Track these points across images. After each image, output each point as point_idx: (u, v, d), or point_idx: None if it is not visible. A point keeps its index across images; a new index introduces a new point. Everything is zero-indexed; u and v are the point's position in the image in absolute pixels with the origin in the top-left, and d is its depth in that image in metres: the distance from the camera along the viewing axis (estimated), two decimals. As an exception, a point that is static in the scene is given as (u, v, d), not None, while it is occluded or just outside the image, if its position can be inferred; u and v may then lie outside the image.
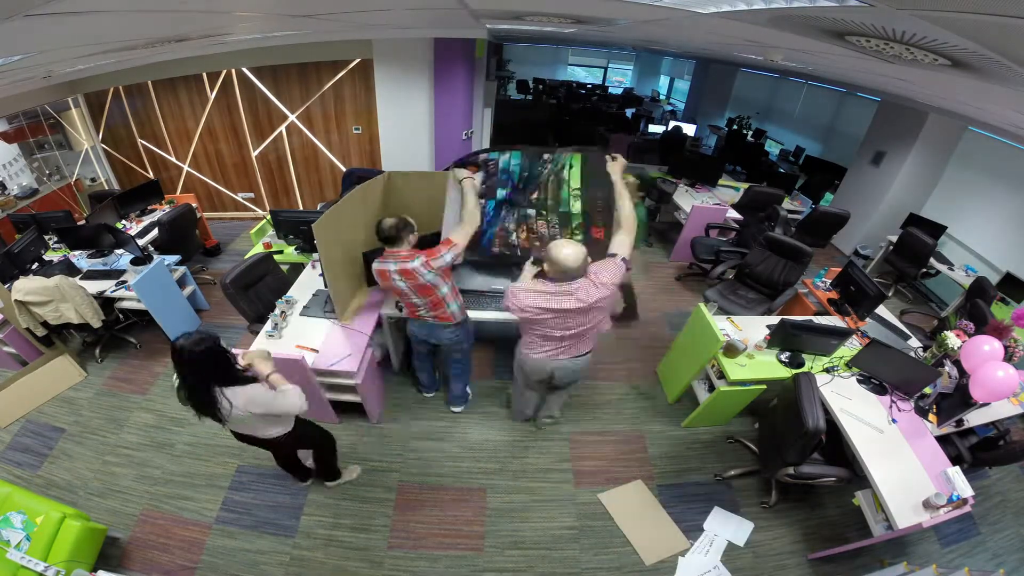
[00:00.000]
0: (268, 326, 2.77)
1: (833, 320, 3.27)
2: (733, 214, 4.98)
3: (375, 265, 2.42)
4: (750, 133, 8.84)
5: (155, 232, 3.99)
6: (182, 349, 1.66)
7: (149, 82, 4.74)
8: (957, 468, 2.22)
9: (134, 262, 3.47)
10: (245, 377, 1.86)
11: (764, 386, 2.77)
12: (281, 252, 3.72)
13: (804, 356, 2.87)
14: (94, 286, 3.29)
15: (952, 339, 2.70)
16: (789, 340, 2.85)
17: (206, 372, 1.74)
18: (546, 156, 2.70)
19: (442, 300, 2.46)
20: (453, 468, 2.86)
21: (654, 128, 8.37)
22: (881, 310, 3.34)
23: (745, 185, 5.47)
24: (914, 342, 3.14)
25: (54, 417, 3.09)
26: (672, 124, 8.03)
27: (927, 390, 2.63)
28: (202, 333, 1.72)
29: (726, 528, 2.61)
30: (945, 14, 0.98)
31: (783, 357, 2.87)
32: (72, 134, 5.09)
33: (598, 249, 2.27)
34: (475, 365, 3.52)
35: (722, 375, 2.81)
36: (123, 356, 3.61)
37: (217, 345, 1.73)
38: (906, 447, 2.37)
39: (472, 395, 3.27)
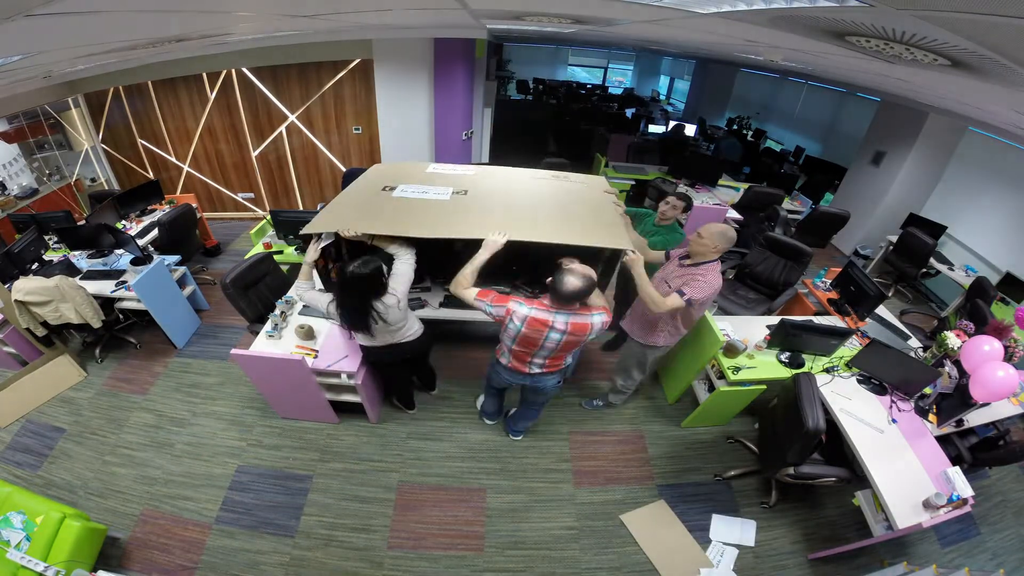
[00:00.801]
0: (268, 326, 2.77)
1: (833, 320, 3.27)
2: (733, 214, 4.98)
3: (521, 309, 2.05)
4: (750, 133, 8.85)
5: (155, 232, 3.99)
6: (351, 273, 2.06)
7: (149, 82, 4.74)
8: (957, 468, 2.22)
9: (134, 262, 3.47)
10: (386, 285, 2.22)
11: (764, 386, 2.77)
12: (281, 252, 3.73)
13: (804, 356, 2.87)
14: (94, 286, 3.29)
15: (952, 339, 2.70)
16: (789, 340, 2.85)
17: (368, 289, 2.14)
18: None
19: (564, 358, 2.28)
20: (453, 468, 2.86)
21: (654, 128, 8.38)
22: (881, 310, 3.34)
23: (745, 185, 5.47)
24: (914, 342, 3.14)
25: (54, 417, 3.09)
26: (673, 124, 8.04)
27: (927, 390, 2.63)
28: (369, 257, 2.11)
29: (731, 533, 2.60)
30: (945, 14, 0.98)
31: (783, 357, 2.87)
32: (72, 134, 5.09)
33: None
34: (471, 367, 3.53)
35: (722, 375, 2.81)
36: (123, 356, 3.61)
37: (380, 267, 2.13)
38: (906, 447, 2.37)
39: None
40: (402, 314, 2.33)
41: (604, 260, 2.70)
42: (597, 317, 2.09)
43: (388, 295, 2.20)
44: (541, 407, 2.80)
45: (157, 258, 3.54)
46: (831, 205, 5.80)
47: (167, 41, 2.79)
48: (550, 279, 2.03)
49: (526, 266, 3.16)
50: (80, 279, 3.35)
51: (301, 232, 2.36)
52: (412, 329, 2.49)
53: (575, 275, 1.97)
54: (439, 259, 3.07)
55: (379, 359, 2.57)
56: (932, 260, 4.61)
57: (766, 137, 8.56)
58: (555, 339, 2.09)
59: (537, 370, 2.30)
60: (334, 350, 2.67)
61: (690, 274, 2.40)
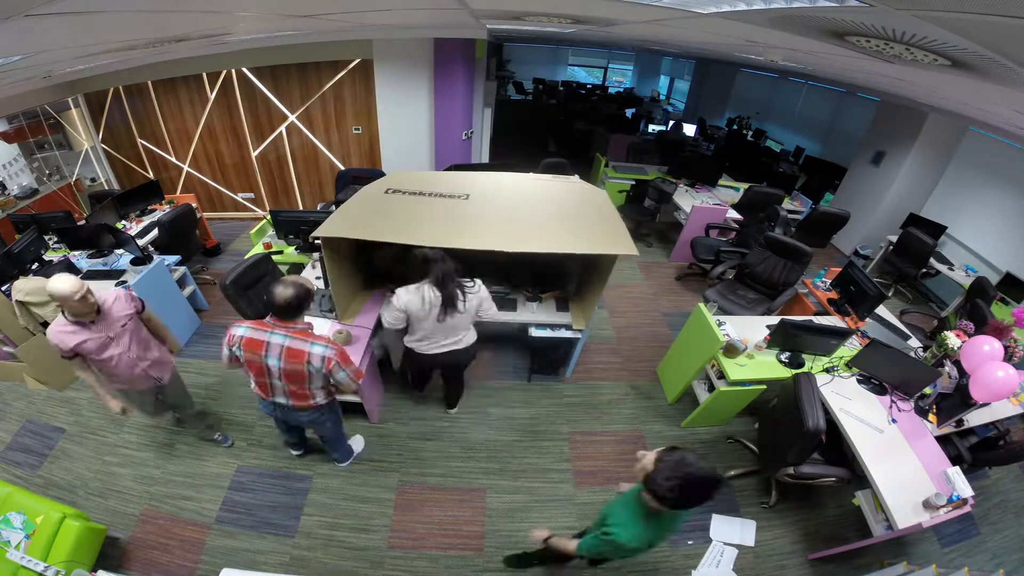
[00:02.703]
0: (268, 326, 2.76)
1: (833, 320, 3.27)
2: (733, 214, 4.98)
3: (240, 331, 1.91)
4: (750, 133, 8.84)
5: (155, 232, 3.99)
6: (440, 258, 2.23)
7: (149, 82, 4.74)
8: (957, 468, 2.22)
9: (134, 262, 3.47)
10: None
11: (764, 386, 2.77)
12: (281, 252, 3.72)
13: (804, 356, 2.87)
14: (94, 286, 3.26)
15: (952, 339, 2.70)
16: (789, 340, 2.85)
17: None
18: None
19: (309, 392, 2.07)
20: (453, 468, 2.86)
21: (654, 128, 8.38)
22: (881, 310, 3.33)
23: (745, 185, 5.47)
24: (914, 342, 3.14)
25: (54, 417, 3.09)
26: (671, 123, 8.04)
27: (927, 390, 2.63)
28: (437, 250, 2.24)
29: (731, 533, 2.59)
30: (945, 14, 0.98)
31: (783, 357, 2.87)
32: (72, 134, 5.10)
33: None
34: (473, 365, 3.51)
35: (722, 375, 2.81)
36: (123, 356, 3.60)
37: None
38: (906, 447, 2.37)
39: (355, 450, 2.85)
40: (468, 322, 2.46)
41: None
42: (318, 347, 1.89)
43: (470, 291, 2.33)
44: (329, 435, 2.49)
45: (157, 258, 3.54)
46: (831, 205, 5.80)
47: (167, 41, 2.79)
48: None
49: (525, 271, 3.16)
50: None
51: (312, 236, 2.36)
52: (464, 342, 2.54)
53: (286, 284, 1.85)
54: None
55: (418, 364, 2.62)
56: (932, 260, 4.61)
57: (766, 137, 8.56)
58: (274, 365, 1.91)
59: (282, 400, 2.10)
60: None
61: None
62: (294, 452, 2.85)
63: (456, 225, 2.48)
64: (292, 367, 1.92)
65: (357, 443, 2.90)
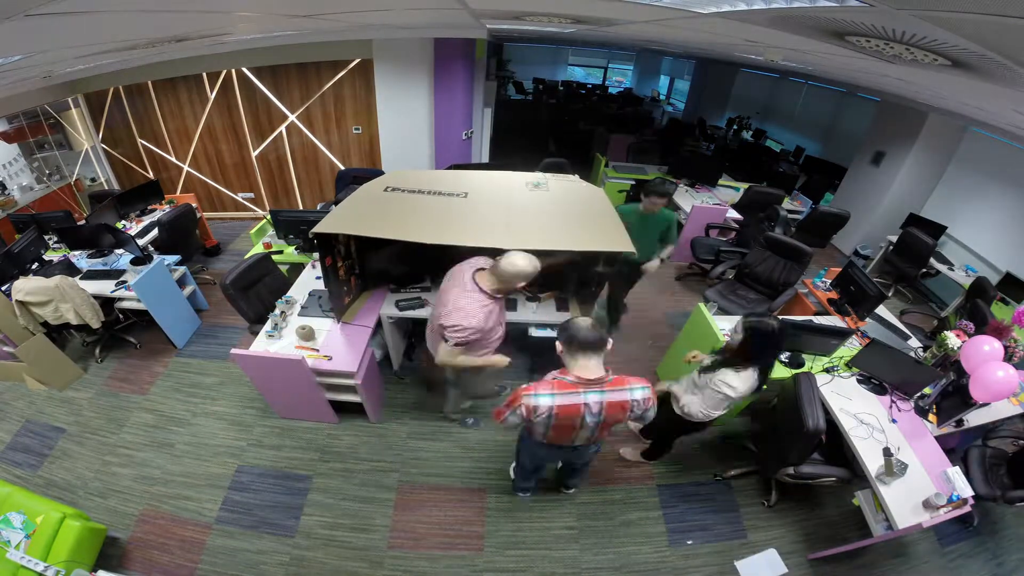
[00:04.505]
0: (268, 326, 2.77)
1: (833, 320, 3.27)
2: (733, 214, 4.98)
3: (544, 400, 1.66)
4: (750, 133, 8.84)
5: (155, 232, 3.99)
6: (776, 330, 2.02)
7: (149, 82, 4.74)
8: (957, 468, 2.22)
9: (134, 262, 3.47)
10: None
11: (764, 386, 2.76)
12: (281, 252, 3.72)
13: (804, 356, 2.87)
14: (94, 286, 3.29)
15: (952, 339, 2.70)
16: (789, 340, 2.84)
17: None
18: None
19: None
20: (453, 468, 2.85)
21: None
22: (881, 310, 3.33)
23: (745, 185, 5.47)
24: (914, 342, 3.14)
25: (54, 417, 3.09)
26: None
27: (927, 390, 2.63)
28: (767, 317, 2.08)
29: (761, 570, 2.46)
30: (945, 14, 0.98)
31: (783, 357, 2.87)
32: (72, 134, 5.10)
33: None
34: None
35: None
36: (123, 356, 3.61)
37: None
38: (906, 447, 2.37)
39: None
40: None
41: (603, 263, 2.72)
42: (638, 391, 1.71)
43: None
44: (586, 466, 2.45)
45: (157, 258, 3.54)
46: (831, 205, 5.80)
47: (167, 41, 2.79)
48: (560, 336, 1.69)
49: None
50: (80, 279, 3.35)
51: (311, 232, 2.36)
52: None
53: (583, 321, 1.68)
54: (438, 258, 3.09)
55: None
56: (932, 260, 4.61)
57: (766, 137, 8.56)
58: (592, 422, 1.73)
59: (581, 442, 1.93)
60: (334, 350, 2.67)
61: None
62: (528, 495, 2.71)
63: (454, 222, 2.48)
64: (613, 418, 1.74)
65: None
